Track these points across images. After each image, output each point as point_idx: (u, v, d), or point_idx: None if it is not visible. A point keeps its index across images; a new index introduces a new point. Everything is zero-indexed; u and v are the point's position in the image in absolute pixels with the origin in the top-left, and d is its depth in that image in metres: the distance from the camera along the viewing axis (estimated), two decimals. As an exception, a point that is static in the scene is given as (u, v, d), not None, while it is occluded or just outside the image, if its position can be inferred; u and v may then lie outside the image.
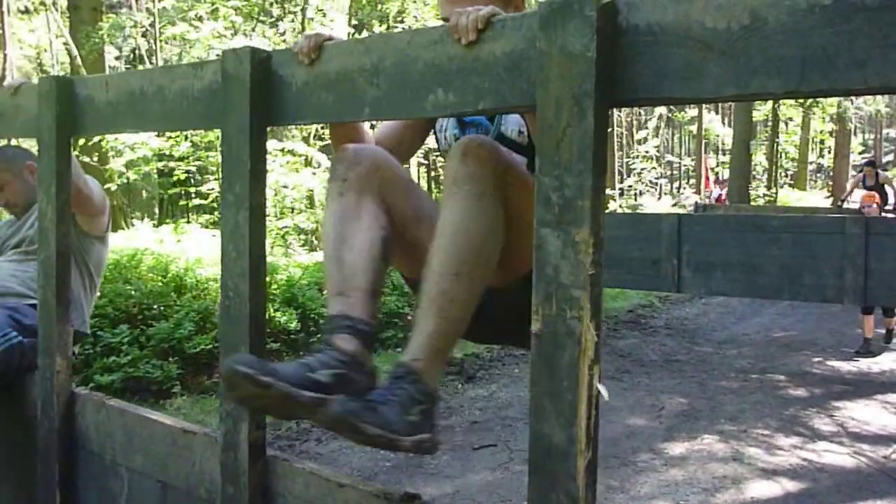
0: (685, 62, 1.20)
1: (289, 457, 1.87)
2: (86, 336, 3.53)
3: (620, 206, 21.39)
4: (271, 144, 10.57)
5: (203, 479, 2.00)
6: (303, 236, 12.53)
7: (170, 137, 10.38)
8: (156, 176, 14.96)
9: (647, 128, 29.17)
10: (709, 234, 8.39)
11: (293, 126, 12.56)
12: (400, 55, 1.49)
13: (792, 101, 29.57)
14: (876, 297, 7.53)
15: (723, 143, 35.26)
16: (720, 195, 19.78)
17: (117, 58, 19.52)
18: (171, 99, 1.95)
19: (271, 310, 7.65)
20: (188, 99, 1.91)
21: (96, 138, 10.07)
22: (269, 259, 8.67)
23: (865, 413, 6.23)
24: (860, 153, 48.44)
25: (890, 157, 51.98)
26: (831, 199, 27.68)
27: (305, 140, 12.82)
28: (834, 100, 28.20)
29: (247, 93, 1.71)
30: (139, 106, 2.03)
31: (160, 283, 7.63)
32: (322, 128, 14.91)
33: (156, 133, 10.10)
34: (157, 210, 17.00)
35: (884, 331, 8.53)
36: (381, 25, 16.18)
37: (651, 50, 1.22)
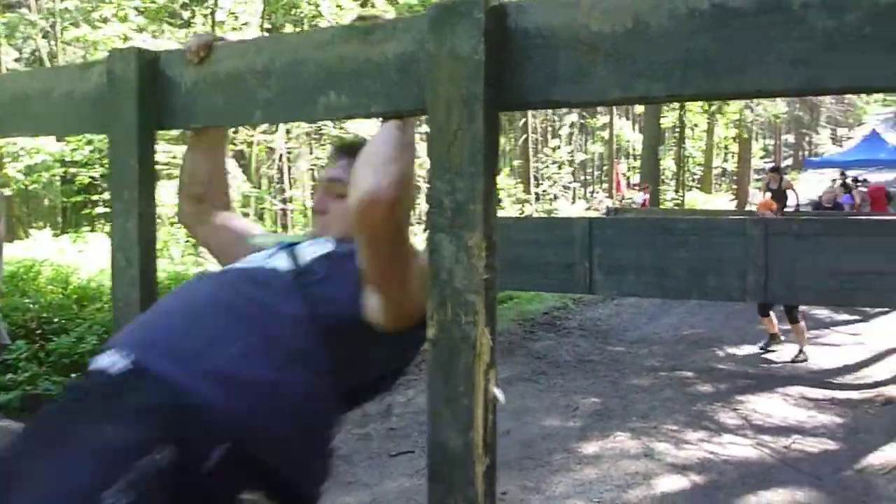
0: (574, 65, 1.20)
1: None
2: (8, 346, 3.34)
3: (536, 211, 21.74)
4: (175, 150, 10.28)
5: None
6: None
7: (69, 141, 9.95)
8: (58, 183, 14.34)
9: (559, 135, 29.78)
10: (620, 237, 8.59)
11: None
12: (291, 56, 1.45)
13: (697, 109, 30.76)
14: (776, 295, 7.86)
15: (633, 149, 36.36)
16: (644, 200, 20.16)
17: (17, 59, 18.68)
18: (57, 101, 1.86)
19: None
20: (74, 101, 1.81)
21: (-9, 144, 9.56)
22: (178, 269, 8.44)
23: (767, 406, 6.50)
24: (761, 157, 50.76)
25: (789, 161, 54.71)
26: (735, 201, 28.88)
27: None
28: (736, 106, 29.48)
29: (134, 94, 1.64)
30: (25, 109, 1.92)
31: (60, 296, 7.30)
32: (235, 130, 14.62)
33: (56, 137, 9.66)
34: (59, 219, 16.29)
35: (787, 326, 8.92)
36: (295, 28, 15.97)
37: (540, 53, 1.22)
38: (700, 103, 29.87)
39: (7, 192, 10.62)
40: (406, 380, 7.34)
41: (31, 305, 6.91)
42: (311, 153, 22.23)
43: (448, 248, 1.27)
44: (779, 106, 35.82)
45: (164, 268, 8.36)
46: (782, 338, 8.54)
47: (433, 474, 1.34)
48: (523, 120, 26.60)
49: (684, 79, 1.14)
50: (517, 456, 5.38)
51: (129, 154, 1.66)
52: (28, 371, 6.29)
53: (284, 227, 18.50)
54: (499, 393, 1.33)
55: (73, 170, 10.88)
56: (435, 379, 1.32)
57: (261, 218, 17.32)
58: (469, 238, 1.25)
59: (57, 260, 8.01)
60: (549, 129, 39.06)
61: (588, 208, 24.35)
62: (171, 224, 10.99)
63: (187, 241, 10.93)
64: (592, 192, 35.20)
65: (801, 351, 8.04)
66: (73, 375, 6.42)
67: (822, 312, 10.51)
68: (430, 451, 1.34)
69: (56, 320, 6.93)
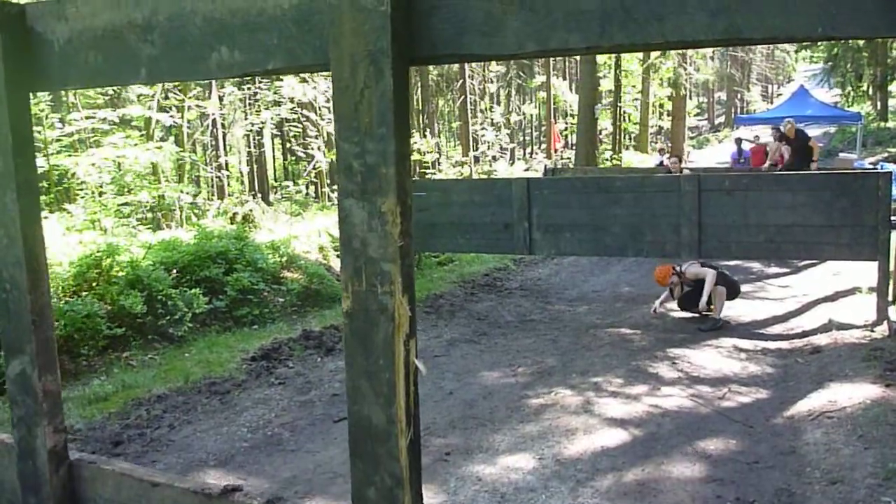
0: (486, 16, 1.13)
1: (95, 458, 1.71)
2: None
3: (476, 173, 21.68)
4: (104, 114, 9.85)
5: (3, 489, 1.80)
6: (148, 214, 11.87)
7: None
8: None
9: (496, 97, 29.66)
10: (557, 196, 8.63)
11: (70, 92, 11.69)
12: (174, 8, 1.34)
13: (634, 67, 30.98)
14: (708, 250, 8.02)
15: (571, 108, 36.50)
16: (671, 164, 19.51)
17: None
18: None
19: (114, 294, 7.18)
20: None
21: None
22: (110, 240, 8.13)
23: (702, 358, 6.65)
24: (695, 115, 51.58)
25: (722, 119, 55.77)
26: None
27: (148, 109, 12.08)
28: (670, 65, 29.80)
29: (-1, 56, 1.50)
30: None
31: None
32: (168, 88, 14.08)
33: None
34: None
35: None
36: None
37: (449, 3, 1.14)
38: (636, 61, 30.10)
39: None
40: (347, 346, 7.28)
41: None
42: (245, 118, 21.69)
43: (359, 214, 1.20)
44: (711, 65, 36.36)
45: (95, 239, 8.06)
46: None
47: (356, 451, 1.28)
48: (461, 81, 26.41)
49: (602, 30, 1.09)
50: (460, 415, 5.39)
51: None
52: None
53: (220, 193, 18.05)
54: (420, 364, 1.28)
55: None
56: (353, 352, 1.25)
57: (196, 184, 16.85)
58: (382, 203, 1.18)
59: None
60: (487, 90, 38.90)
61: (527, 169, 24.42)
62: (100, 193, 10.60)
63: (117, 211, 10.55)
64: (531, 154, 35.31)
65: (719, 319, 7.67)
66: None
67: (754, 266, 10.78)
68: (351, 428, 1.28)
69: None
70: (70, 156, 9.87)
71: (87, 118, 10.26)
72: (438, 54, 1.16)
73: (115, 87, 13.53)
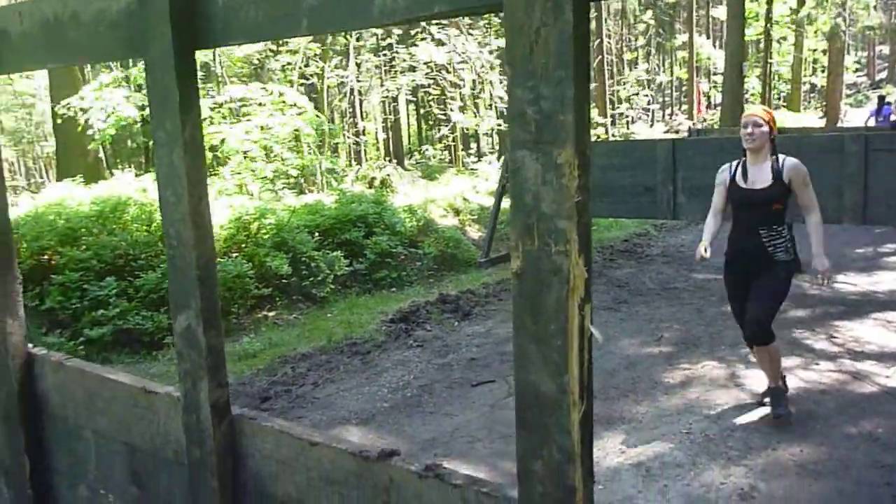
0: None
1: (256, 414, 1.72)
2: None
3: (613, 135, 21.06)
4: (253, 87, 10.22)
5: (169, 440, 1.86)
6: (291, 179, 12.28)
7: (140, 90, 9.99)
8: (139, 125, 14.60)
9: (636, 52, 28.54)
10: (703, 158, 8.17)
11: (229, 48, 12.02)
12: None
13: (786, 19, 28.92)
14: (874, 215, 7.37)
15: (714, 67, 34.63)
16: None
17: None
18: (87, 24, 1.73)
19: (261, 255, 7.49)
20: (105, 23, 1.68)
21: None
22: (257, 203, 8.48)
23: (865, 332, 6.15)
24: (854, 72, 47.72)
25: (883, 75, 51.26)
26: (825, 119, 27.30)
27: (290, 83, 12.45)
28: (827, 17, 27.57)
29: (167, 13, 1.50)
30: (54, 36, 1.80)
31: (145, 233, 7.44)
32: (309, 56, 14.45)
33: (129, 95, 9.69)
34: (142, 159, 16.66)
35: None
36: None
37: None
38: (787, 14, 28.04)
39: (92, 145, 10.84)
40: (485, 309, 7.26)
41: (119, 243, 7.07)
42: (381, 86, 22.02)
43: (533, 166, 1.10)
44: (874, 15, 33.38)
45: (244, 203, 8.42)
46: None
47: (522, 422, 1.20)
48: (598, 41, 25.60)
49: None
50: (601, 385, 5.25)
51: (167, 79, 1.52)
52: (118, 307, 6.47)
53: (357, 158, 18.49)
54: (595, 332, 1.17)
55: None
56: (522, 316, 1.16)
57: (334, 152, 17.30)
58: (558, 155, 1.07)
59: (140, 199, 8.14)
60: (626, 49, 37.54)
61: (667, 131, 23.45)
62: (250, 159, 11.02)
63: (265, 178, 10.95)
64: (671, 115, 33.83)
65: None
66: (161, 310, 6.59)
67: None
68: (518, 397, 1.19)
69: (143, 257, 7.08)
70: (222, 123, 10.33)
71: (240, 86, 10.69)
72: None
73: (259, 58, 14.05)
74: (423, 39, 16.72)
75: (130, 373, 5.73)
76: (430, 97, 21.28)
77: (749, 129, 4.28)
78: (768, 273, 4.30)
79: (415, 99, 24.52)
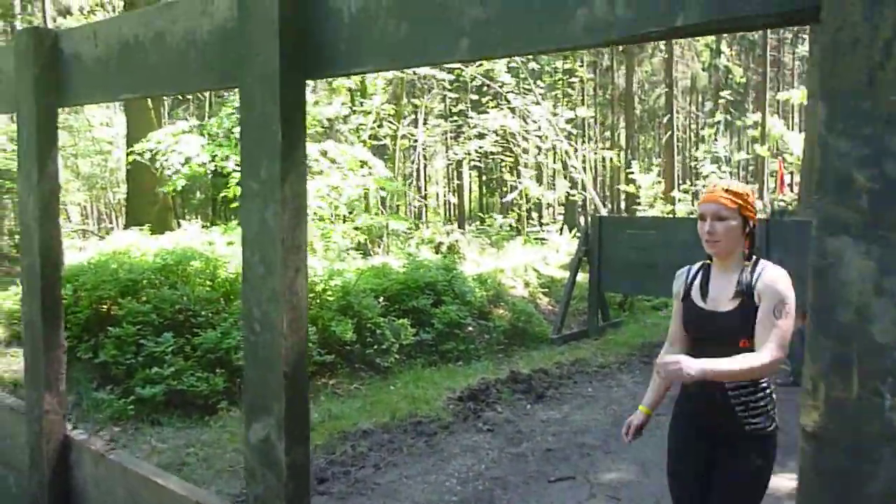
0: None
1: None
2: None
3: (678, 212, 20.41)
4: (322, 147, 10.08)
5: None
6: (357, 239, 12.04)
7: (213, 140, 9.92)
8: (209, 177, 14.68)
9: (712, 128, 28.07)
10: (799, 238, 7.58)
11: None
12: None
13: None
14: None
15: (787, 147, 33.81)
16: None
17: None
18: (172, 48, 1.40)
19: (326, 318, 7.14)
20: (195, 45, 1.34)
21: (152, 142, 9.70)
22: (320, 263, 8.19)
23: None
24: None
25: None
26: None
27: (364, 143, 12.35)
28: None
29: (274, 31, 1.14)
30: (134, 61, 1.49)
31: (208, 289, 7.17)
32: (382, 116, 14.40)
33: (202, 143, 9.63)
34: (209, 211, 16.73)
35: None
36: None
37: None
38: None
39: (165, 190, 10.83)
40: (560, 392, 6.74)
41: (180, 298, 6.80)
42: (447, 151, 21.96)
43: (860, 264, 0.68)
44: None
45: (312, 264, 8.10)
46: None
47: None
48: (668, 116, 25.19)
49: None
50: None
51: (268, 110, 1.16)
52: (174, 365, 6.16)
53: (418, 220, 18.30)
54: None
55: (224, 163, 10.91)
56: None
57: (396, 211, 17.08)
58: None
59: (206, 252, 7.93)
60: (693, 125, 37.08)
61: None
62: (320, 218, 10.79)
63: (332, 239, 10.68)
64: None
65: None
66: (217, 372, 6.25)
67: None
68: None
69: (203, 314, 6.80)
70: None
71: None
72: None
73: (328, 121, 14.05)
74: (495, 107, 16.60)
75: (181, 439, 5.34)
76: (501, 163, 21.10)
77: (707, 225, 2.62)
78: (734, 460, 2.67)
79: (480, 165, 24.38)
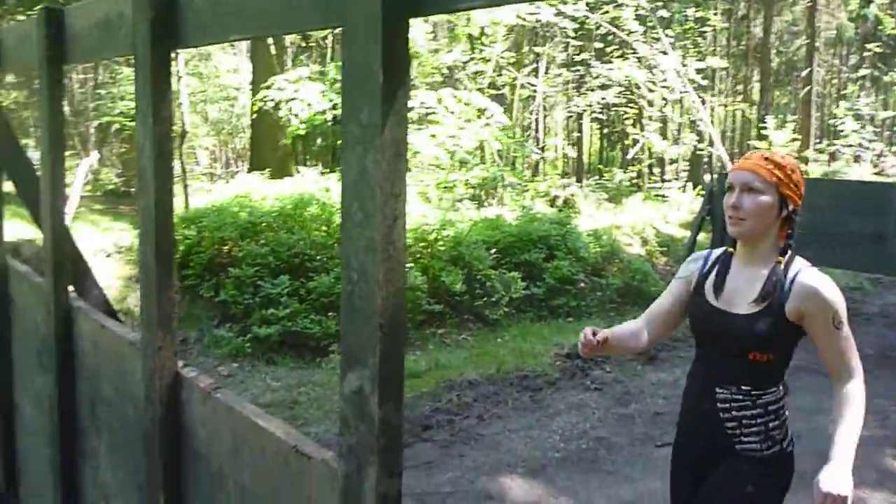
0: None
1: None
2: None
3: (811, 172, 19.16)
4: (444, 92, 10.02)
5: (322, 519, 1.44)
6: (471, 190, 12.00)
7: (333, 87, 10.03)
8: (329, 123, 14.96)
9: (856, 84, 26.07)
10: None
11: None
12: None
13: None
14: None
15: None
16: None
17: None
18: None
19: (436, 268, 7.18)
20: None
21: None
22: (433, 213, 8.21)
23: None
24: None
25: None
26: None
27: (481, 91, 12.21)
28: None
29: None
30: (245, 1, 1.45)
31: (324, 234, 7.34)
32: (502, 65, 14.15)
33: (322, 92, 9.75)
34: (329, 159, 17.10)
35: None
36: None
37: None
38: None
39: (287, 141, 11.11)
40: (673, 355, 6.54)
41: (296, 242, 7.00)
42: (567, 102, 21.41)
43: None
44: None
45: (424, 212, 8.11)
46: None
47: None
48: (807, 70, 23.52)
49: None
50: (812, 468, 4.40)
51: (369, 51, 1.09)
52: (289, 307, 6.37)
53: (535, 174, 18.03)
54: None
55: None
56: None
57: (512, 163, 16.85)
58: None
59: (323, 198, 8.10)
60: (836, 80, 34.54)
61: (876, 172, 21.09)
62: (434, 167, 10.82)
63: (446, 188, 10.69)
64: (880, 155, 30.67)
65: None
66: (329, 315, 6.42)
67: None
68: None
69: (318, 258, 6.97)
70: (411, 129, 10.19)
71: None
72: None
73: (448, 69, 13.93)
74: (619, 57, 15.99)
75: (294, 378, 5.53)
76: (624, 116, 20.41)
77: (734, 198, 2.15)
78: (720, 482, 2.24)
79: (601, 117, 23.66)
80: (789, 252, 2.17)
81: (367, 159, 1.09)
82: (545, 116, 24.67)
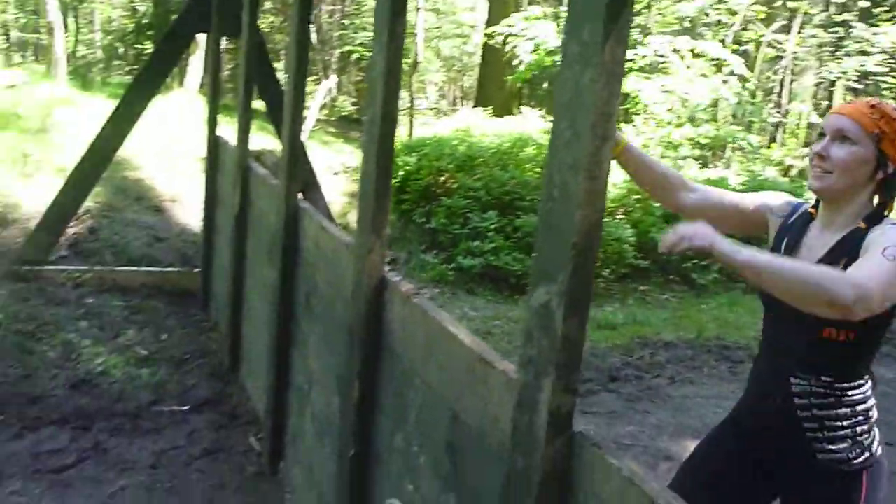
0: None
1: (601, 442, 1.28)
2: None
3: None
4: (680, 41, 9.55)
5: (496, 428, 1.52)
6: (697, 150, 11.44)
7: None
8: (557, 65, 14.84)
9: None
10: None
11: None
12: None
13: None
14: None
15: None
16: None
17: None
18: None
19: (647, 223, 7.00)
20: None
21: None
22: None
23: None
24: None
25: None
26: None
27: (722, 42, 11.49)
28: None
29: None
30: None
31: (536, 175, 7.39)
32: (749, 19, 13.17)
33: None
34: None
35: None
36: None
37: None
38: None
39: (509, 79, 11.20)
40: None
41: (509, 180, 7.11)
42: (820, 66, 19.50)
43: None
44: None
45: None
46: None
47: None
48: None
49: None
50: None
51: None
52: (494, 242, 6.53)
53: (772, 142, 16.76)
54: None
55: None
56: None
57: (748, 127, 15.75)
58: None
59: (540, 140, 8.12)
60: None
61: None
62: (660, 120, 10.40)
63: (671, 143, 10.26)
64: None
65: None
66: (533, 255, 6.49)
67: None
68: None
69: (528, 198, 7.05)
70: (637, 76, 9.84)
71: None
72: None
73: (690, 21, 13.20)
74: (890, 20, 14.28)
75: (490, 311, 5.70)
76: (885, 87, 18.31)
77: (820, 146, 1.74)
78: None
79: (858, 86, 21.35)
80: (883, 221, 1.71)
81: (584, 77, 1.10)
82: (791, 81, 22.70)
